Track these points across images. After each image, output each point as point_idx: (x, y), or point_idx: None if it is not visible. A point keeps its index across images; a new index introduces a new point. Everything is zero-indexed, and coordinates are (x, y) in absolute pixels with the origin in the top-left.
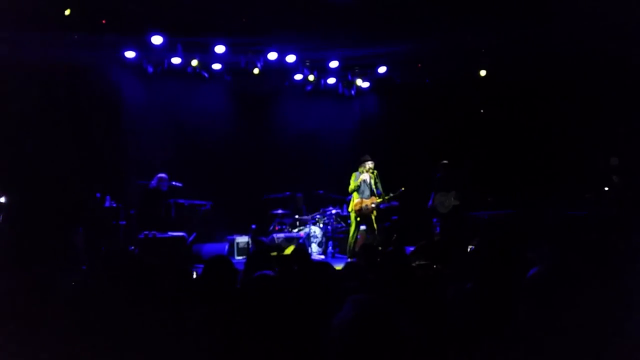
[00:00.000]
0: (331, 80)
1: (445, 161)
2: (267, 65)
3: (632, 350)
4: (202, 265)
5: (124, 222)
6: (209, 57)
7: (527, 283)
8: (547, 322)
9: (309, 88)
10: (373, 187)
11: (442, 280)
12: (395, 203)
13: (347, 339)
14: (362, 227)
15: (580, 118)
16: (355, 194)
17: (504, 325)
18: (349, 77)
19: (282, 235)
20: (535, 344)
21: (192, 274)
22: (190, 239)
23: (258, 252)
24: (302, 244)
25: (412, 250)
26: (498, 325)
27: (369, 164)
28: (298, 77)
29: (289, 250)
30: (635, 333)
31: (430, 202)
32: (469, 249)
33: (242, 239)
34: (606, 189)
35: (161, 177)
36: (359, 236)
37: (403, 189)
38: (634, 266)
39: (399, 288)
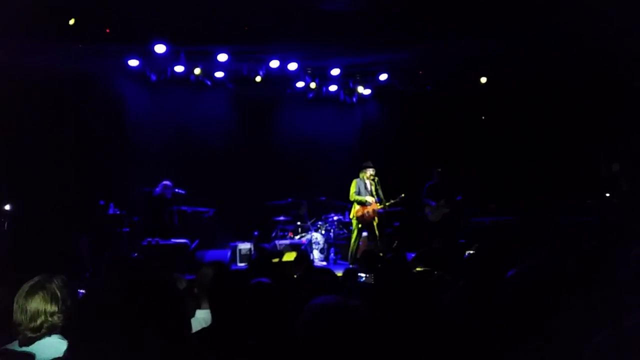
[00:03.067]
0: (333, 88)
1: (439, 169)
2: (269, 73)
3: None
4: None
5: (128, 229)
6: (211, 65)
7: (505, 283)
8: (522, 322)
9: (310, 95)
10: (374, 193)
11: (440, 285)
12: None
13: (300, 343)
14: (364, 234)
15: (582, 124)
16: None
17: (488, 324)
18: (351, 84)
19: (284, 242)
20: (512, 343)
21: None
22: (193, 245)
23: (259, 259)
24: (305, 251)
25: (413, 257)
26: (483, 324)
27: (370, 171)
28: (300, 84)
29: (290, 257)
30: (614, 338)
31: (427, 211)
32: (466, 255)
33: (245, 246)
34: (607, 195)
35: (165, 185)
36: (360, 243)
37: (403, 195)
38: (623, 272)
39: (397, 293)
